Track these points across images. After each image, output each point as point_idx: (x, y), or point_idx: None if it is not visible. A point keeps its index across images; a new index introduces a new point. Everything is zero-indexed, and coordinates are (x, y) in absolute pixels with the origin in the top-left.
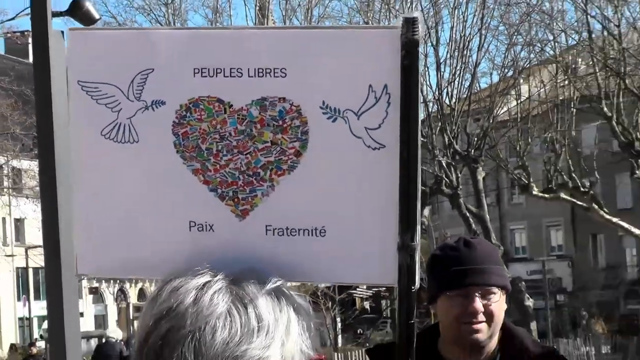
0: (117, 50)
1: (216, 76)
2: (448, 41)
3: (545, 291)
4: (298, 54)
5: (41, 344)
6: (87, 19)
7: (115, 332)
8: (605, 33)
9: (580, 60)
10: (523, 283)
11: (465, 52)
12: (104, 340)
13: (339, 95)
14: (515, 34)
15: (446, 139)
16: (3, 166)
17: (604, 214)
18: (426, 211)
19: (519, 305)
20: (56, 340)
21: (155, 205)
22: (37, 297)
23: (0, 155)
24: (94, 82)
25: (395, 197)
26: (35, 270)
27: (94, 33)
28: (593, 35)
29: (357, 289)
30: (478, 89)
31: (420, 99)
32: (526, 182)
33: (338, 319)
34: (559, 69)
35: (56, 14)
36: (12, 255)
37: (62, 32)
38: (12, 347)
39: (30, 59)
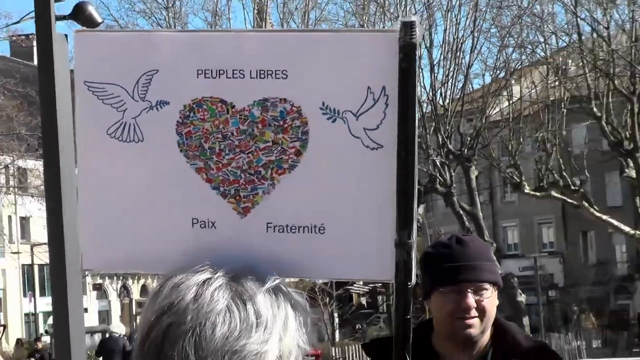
0: (123, 51)
1: (219, 77)
2: (441, 43)
3: (537, 287)
4: (299, 57)
5: (46, 339)
6: (89, 23)
7: (118, 327)
8: (595, 35)
9: (570, 61)
10: (515, 279)
11: (458, 54)
12: (107, 335)
13: (339, 97)
14: (507, 36)
15: (440, 139)
16: (9, 166)
17: (594, 212)
18: (421, 209)
19: (512, 301)
20: (61, 335)
21: (159, 203)
22: (42, 294)
23: (6, 155)
24: (100, 83)
25: (392, 195)
26: (41, 267)
27: (99, 35)
28: (583, 37)
29: (354, 285)
30: (471, 89)
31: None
32: (518, 180)
33: (335, 315)
34: (549, 70)
35: (60, 18)
36: (18, 253)
37: (66, 35)
38: (19, 342)
39: (35, 62)
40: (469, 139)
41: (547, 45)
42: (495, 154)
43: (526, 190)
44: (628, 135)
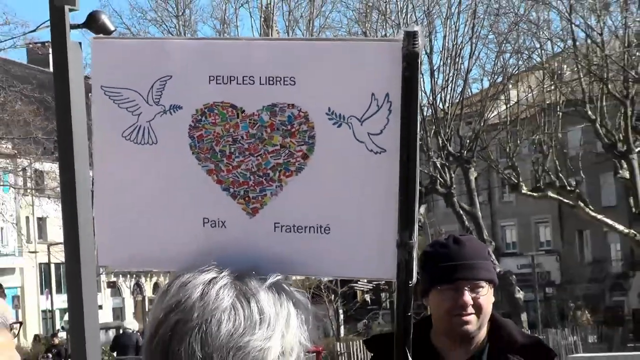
0: (138, 58)
1: (230, 83)
2: (441, 49)
3: (534, 284)
4: (306, 64)
5: (63, 334)
6: (102, 31)
7: (132, 324)
8: (589, 41)
9: (565, 66)
10: (513, 276)
11: (457, 59)
12: (121, 331)
13: (344, 103)
14: (504, 42)
15: (440, 141)
16: (26, 168)
17: (590, 212)
18: (422, 209)
19: (510, 298)
20: (76, 331)
21: (172, 203)
22: (59, 291)
23: (24, 158)
24: (116, 88)
25: (394, 197)
26: (57, 265)
27: (116, 42)
28: (577, 43)
29: (358, 283)
30: (470, 94)
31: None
32: (516, 181)
33: (340, 311)
34: (545, 75)
35: (74, 27)
36: (35, 252)
37: (80, 43)
38: (36, 337)
39: (51, 68)
40: (468, 141)
41: (542, 51)
42: (493, 156)
43: (523, 191)
44: (621, 138)
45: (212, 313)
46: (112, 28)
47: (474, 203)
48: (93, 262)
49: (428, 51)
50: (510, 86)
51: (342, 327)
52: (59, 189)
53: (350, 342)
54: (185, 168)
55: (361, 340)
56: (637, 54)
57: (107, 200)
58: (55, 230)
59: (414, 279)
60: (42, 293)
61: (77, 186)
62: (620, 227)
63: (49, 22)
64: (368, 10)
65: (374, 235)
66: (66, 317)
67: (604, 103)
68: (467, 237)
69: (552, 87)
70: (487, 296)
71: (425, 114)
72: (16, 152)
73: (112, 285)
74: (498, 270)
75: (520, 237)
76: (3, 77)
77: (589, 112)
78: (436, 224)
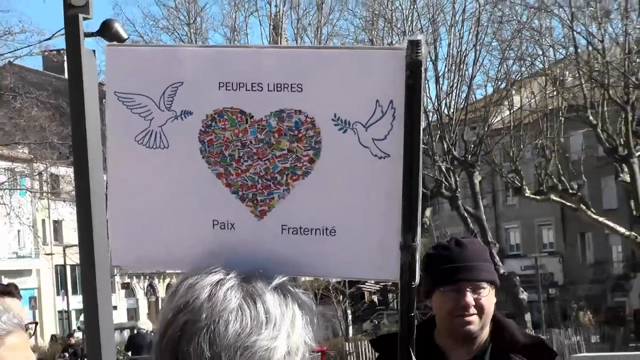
0: (150, 65)
1: (239, 90)
2: (446, 56)
3: (538, 285)
4: (313, 71)
5: (79, 334)
6: (116, 39)
7: (145, 324)
8: (590, 48)
9: (567, 73)
10: (517, 278)
11: (461, 66)
12: (135, 331)
13: (349, 109)
14: (508, 49)
15: (445, 146)
16: (42, 172)
17: (591, 214)
18: (427, 212)
19: (514, 299)
20: (92, 331)
21: (183, 205)
22: (74, 292)
23: (40, 163)
24: (129, 93)
25: (398, 201)
26: (73, 267)
27: (129, 49)
28: (579, 50)
29: (366, 284)
30: (474, 99)
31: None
32: (519, 185)
33: (349, 312)
34: (548, 81)
35: (88, 35)
36: (51, 254)
37: (94, 50)
38: (53, 337)
39: (66, 75)
40: (472, 146)
41: (545, 58)
42: (497, 160)
43: (527, 194)
44: (622, 142)
45: (220, 313)
46: (125, 36)
47: (479, 206)
48: (107, 264)
49: (433, 58)
50: (514, 92)
51: (350, 327)
52: (74, 192)
53: (359, 342)
54: (195, 171)
55: (368, 340)
56: (638, 60)
57: (120, 202)
58: (71, 233)
59: (417, 280)
60: (58, 294)
61: (91, 191)
62: (622, 230)
63: (64, 30)
64: (374, 18)
65: (378, 238)
66: (82, 318)
67: (605, 108)
68: (469, 239)
69: (555, 93)
70: (488, 297)
71: (430, 119)
72: (32, 156)
73: (126, 287)
74: (502, 271)
75: (524, 239)
76: (20, 84)
77: (591, 117)
78: (441, 226)
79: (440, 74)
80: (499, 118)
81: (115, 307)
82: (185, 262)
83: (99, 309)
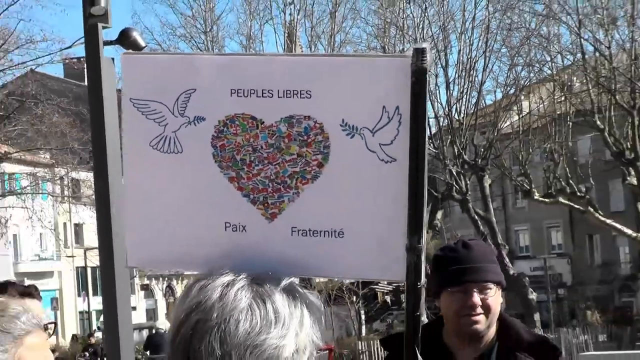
0: (164, 72)
1: (250, 96)
2: (456, 63)
3: (547, 286)
4: (322, 78)
5: (99, 334)
6: (134, 47)
7: (164, 324)
8: (597, 54)
9: (575, 78)
10: (527, 278)
11: (471, 72)
12: (154, 331)
13: (357, 115)
14: (516, 55)
15: (456, 150)
16: (63, 177)
17: (599, 216)
18: (439, 214)
19: (524, 299)
20: (111, 331)
21: (196, 208)
22: (95, 293)
23: (61, 168)
24: (144, 100)
25: (404, 204)
26: (93, 269)
27: (144, 57)
28: (586, 56)
29: (379, 284)
30: (484, 105)
31: (432, 114)
32: (528, 188)
33: (362, 312)
34: (556, 86)
35: (107, 43)
36: (72, 256)
37: (113, 58)
38: (74, 337)
39: (86, 82)
40: (482, 150)
41: (553, 64)
42: (507, 164)
43: (536, 197)
44: (629, 146)
45: (231, 313)
46: (143, 44)
47: (489, 209)
48: (126, 266)
49: (444, 64)
50: (523, 97)
51: (363, 327)
52: (94, 196)
53: (371, 341)
54: (208, 175)
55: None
56: None
57: (135, 204)
58: (91, 236)
59: (423, 281)
60: (79, 295)
61: (110, 195)
62: (629, 231)
63: (83, 39)
64: (386, 26)
65: (385, 239)
66: (102, 318)
67: (612, 113)
68: (476, 241)
69: (562, 98)
70: (494, 297)
71: (441, 124)
72: (54, 161)
73: (146, 288)
74: (512, 272)
75: (533, 241)
76: (41, 91)
77: (598, 122)
78: (452, 228)
79: (450, 80)
80: (508, 123)
81: (134, 308)
82: (198, 262)
83: (118, 310)
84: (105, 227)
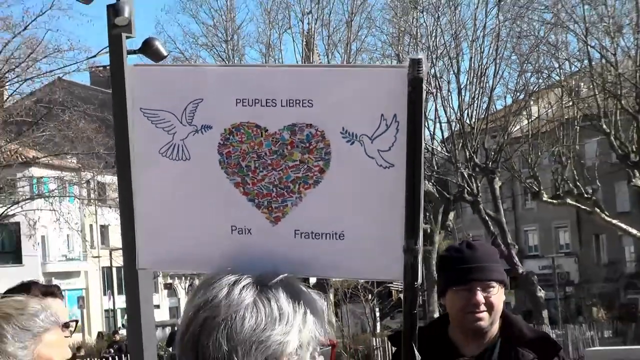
0: (173, 83)
1: (254, 105)
2: (468, 70)
3: (554, 284)
4: (323, 88)
5: (123, 332)
6: (156, 56)
7: None
8: (604, 61)
9: (582, 84)
10: (535, 277)
11: (482, 78)
12: (176, 328)
13: (356, 123)
14: (526, 62)
15: (467, 154)
16: (90, 181)
17: (605, 217)
18: (451, 215)
19: (532, 296)
20: (134, 328)
21: (203, 212)
22: (120, 292)
23: (87, 172)
24: (153, 110)
25: (402, 208)
26: (118, 269)
27: (153, 69)
28: (593, 63)
29: (393, 283)
30: (494, 110)
31: (445, 119)
32: (537, 189)
33: (376, 309)
34: (564, 92)
35: (130, 52)
36: (98, 257)
37: None
38: (99, 334)
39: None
40: (493, 153)
41: (561, 70)
42: (516, 167)
43: (544, 198)
44: (634, 149)
45: (237, 311)
46: (165, 53)
47: (499, 210)
48: (138, 268)
49: (456, 71)
50: (532, 103)
51: (378, 324)
52: (118, 199)
53: (385, 338)
54: (215, 181)
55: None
56: None
57: (145, 210)
58: (117, 237)
59: (420, 281)
60: (105, 294)
61: (133, 198)
62: (634, 231)
63: (108, 48)
64: (400, 35)
65: (383, 241)
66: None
67: (618, 117)
68: (480, 242)
69: (570, 104)
70: (498, 295)
71: (453, 128)
72: (80, 166)
73: (169, 287)
74: (521, 271)
75: (542, 241)
76: (68, 98)
77: (604, 126)
78: (464, 229)
79: (462, 86)
80: (517, 127)
81: (157, 306)
82: (206, 264)
83: (141, 308)
84: (128, 229)
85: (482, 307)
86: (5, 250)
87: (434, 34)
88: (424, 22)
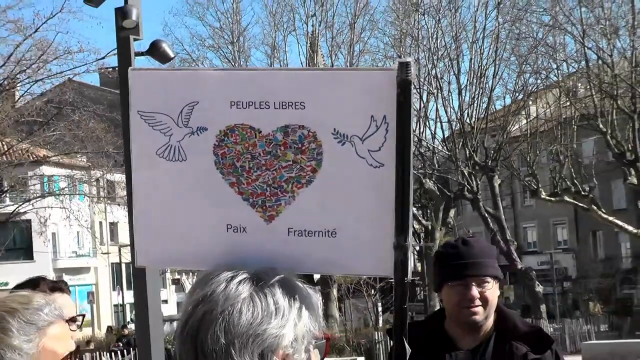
0: (170, 86)
1: (248, 107)
2: (468, 70)
3: (552, 279)
4: (314, 90)
5: (132, 326)
6: (163, 58)
7: None
8: (600, 62)
9: (579, 85)
10: (534, 272)
11: (482, 79)
12: None
13: (347, 124)
14: (524, 63)
15: (467, 152)
16: (99, 179)
17: (602, 214)
18: (452, 213)
19: (531, 291)
20: (142, 322)
21: (199, 211)
22: (129, 288)
23: (97, 170)
24: (150, 112)
25: (392, 206)
26: (127, 265)
27: (150, 73)
28: (590, 64)
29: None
30: (494, 110)
31: (445, 119)
32: (535, 187)
33: (379, 304)
34: (561, 92)
35: (138, 54)
36: (107, 253)
37: None
38: (109, 329)
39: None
40: (492, 152)
41: (559, 71)
42: (515, 165)
43: (543, 196)
44: (630, 148)
45: (234, 304)
46: (171, 55)
47: (498, 207)
48: (136, 266)
49: (456, 72)
50: (530, 103)
51: (380, 318)
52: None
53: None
54: (211, 181)
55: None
56: None
57: (143, 209)
58: (125, 234)
59: (409, 277)
60: (114, 289)
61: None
62: (630, 228)
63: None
64: (402, 37)
65: (374, 238)
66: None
67: (614, 117)
68: (475, 238)
69: (568, 104)
70: (492, 290)
71: (454, 128)
72: (90, 164)
73: (177, 282)
74: (520, 267)
75: (540, 237)
76: (78, 99)
77: (601, 125)
78: (464, 226)
79: (462, 87)
80: (516, 126)
81: (165, 301)
82: (203, 261)
83: (148, 303)
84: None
85: (477, 302)
86: (17, 247)
87: (434, 36)
88: (425, 24)
